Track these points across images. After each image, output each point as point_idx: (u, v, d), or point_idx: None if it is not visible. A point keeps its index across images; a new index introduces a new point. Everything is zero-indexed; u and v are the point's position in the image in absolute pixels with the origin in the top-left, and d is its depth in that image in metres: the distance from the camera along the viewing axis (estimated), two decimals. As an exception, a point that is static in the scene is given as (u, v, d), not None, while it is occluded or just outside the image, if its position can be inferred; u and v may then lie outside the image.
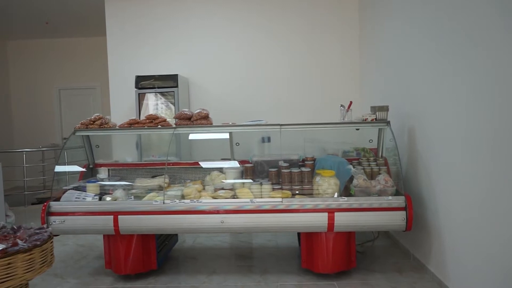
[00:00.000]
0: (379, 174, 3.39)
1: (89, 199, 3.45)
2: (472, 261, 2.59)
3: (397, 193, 3.22)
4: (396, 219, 3.11)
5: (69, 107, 8.83)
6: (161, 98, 5.45)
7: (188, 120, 3.66)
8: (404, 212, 3.10)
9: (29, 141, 8.62)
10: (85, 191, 3.49)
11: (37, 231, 2.16)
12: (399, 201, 3.11)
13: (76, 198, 3.42)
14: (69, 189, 3.48)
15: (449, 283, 2.93)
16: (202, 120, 3.62)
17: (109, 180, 3.86)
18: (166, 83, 5.37)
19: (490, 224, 2.37)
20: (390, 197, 3.14)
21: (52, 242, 2.11)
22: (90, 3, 6.34)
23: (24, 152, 7.05)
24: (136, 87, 5.41)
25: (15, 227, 2.24)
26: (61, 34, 8.37)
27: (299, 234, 3.65)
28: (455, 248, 2.83)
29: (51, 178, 7.99)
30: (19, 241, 1.97)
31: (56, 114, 8.83)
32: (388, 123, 3.48)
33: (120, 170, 4.05)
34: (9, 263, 1.82)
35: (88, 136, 3.94)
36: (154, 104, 5.45)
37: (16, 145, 8.70)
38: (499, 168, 2.26)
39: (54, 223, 3.26)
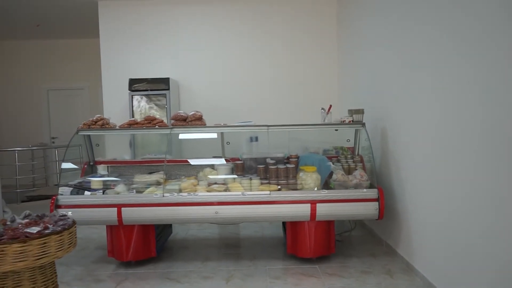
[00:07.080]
0: (356, 170, 3.82)
1: (87, 193, 3.74)
2: (433, 243, 3.04)
3: (371, 186, 3.65)
4: (370, 209, 3.54)
5: (57, 107, 8.98)
6: (153, 100, 5.76)
7: (184, 121, 4.01)
8: (376, 203, 3.53)
9: (17, 141, 8.69)
10: (89, 186, 3.80)
11: (61, 217, 2.48)
12: (373, 193, 3.55)
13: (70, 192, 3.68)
14: (72, 184, 3.78)
15: (414, 263, 3.39)
16: (197, 121, 3.97)
17: (109, 176, 4.17)
18: (158, 86, 5.69)
19: (449, 212, 2.81)
20: (365, 190, 3.58)
21: (75, 226, 2.44)
22: (83, 6, 6.53)
23: (16, 151, 7.23)
24: (129, 90, 5.70)
25: (39, 215, 2.56)
26: (51, 36, 8.50)
27: (284, 223, 4.03)
28: (420, 233, 3.28)
29: (40, 177, 8.23)
30: (49, 225, 2.29)
31: (44, 114, 8.95)
32: (363, 124, 3.92)
33: (118, 167, 4.36)
34: (44, 243, 2.15)
35: (89, 135, 4.24)
36: (147, 106, 5.76)
37: (3, 145, 8.79)
38: (458, 163, 2.70)
39: (61, 215, 3.55)
